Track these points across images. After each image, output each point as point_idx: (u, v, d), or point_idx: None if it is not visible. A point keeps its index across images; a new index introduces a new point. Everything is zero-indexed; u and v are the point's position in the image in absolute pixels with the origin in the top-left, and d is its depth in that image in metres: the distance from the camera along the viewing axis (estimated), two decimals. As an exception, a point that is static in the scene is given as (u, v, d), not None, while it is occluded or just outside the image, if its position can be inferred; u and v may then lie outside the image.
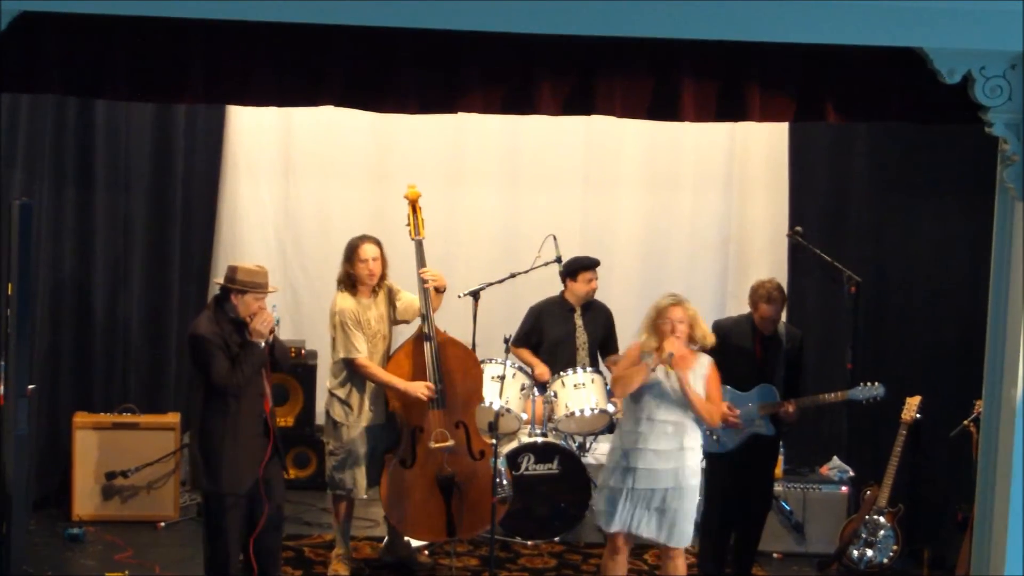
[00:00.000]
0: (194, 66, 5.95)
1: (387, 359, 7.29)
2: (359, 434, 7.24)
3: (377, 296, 7.28)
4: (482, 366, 7.55)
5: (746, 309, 7.32)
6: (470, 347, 7.50)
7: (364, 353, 7.18)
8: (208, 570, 6.62)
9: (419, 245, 7.26)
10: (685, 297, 6.61)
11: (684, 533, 6.59)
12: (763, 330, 7.17)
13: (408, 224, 7.31)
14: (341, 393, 7.25)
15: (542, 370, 8.28)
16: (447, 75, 6.07)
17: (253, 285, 6.43)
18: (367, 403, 7.24)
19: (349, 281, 7.24)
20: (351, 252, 7.23)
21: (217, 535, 6.52)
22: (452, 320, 7.57)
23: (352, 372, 7.22)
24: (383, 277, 7.30)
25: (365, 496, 7.39)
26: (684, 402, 6.50)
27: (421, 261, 7.25)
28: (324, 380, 9.17)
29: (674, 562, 6.67)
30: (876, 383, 7.31)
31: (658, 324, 6.51)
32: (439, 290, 7.25)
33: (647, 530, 6.56)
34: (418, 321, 7.32)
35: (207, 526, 6.61)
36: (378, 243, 7.26)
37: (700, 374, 6.57)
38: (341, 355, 7.21)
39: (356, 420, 7.24)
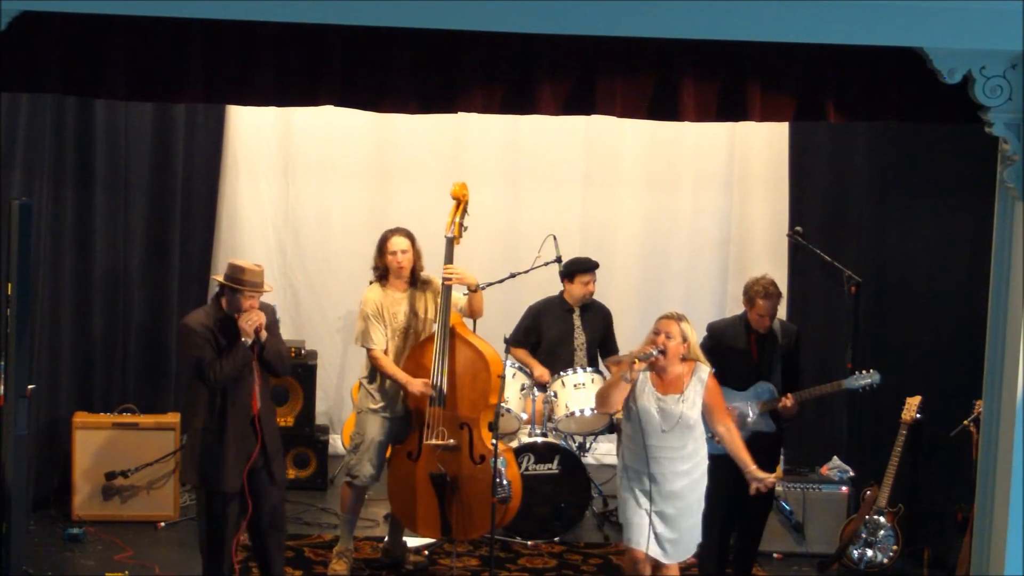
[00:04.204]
0: (194, 66, 5.95)
1: None
2: (379, 423, 7.30)
3: (414, 291, 7.31)
4: None
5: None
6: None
7: (379, 346, 7.23)
8: (204, 566, 6.65)
9: (448, 242, 7.26)
10: (684, 315, 6.39)
11: (682, 550, 6.43)
12: (758, 328, 7.16)
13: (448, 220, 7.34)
14: (367, 382, 7.36)
15: (541, 372, 8.28)
16: (447, 75, 6.07)
17: (242, 282, 6.40)
18: (389, 394, 7.31)
19: (380, 273, 7.32)
20: (381, 244, 7.30)
21: (206, 532, 6.57)
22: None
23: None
24: (416, 270, 7.31)
25: (366, 483, 7.34)
26: (673, 428, 6.27)
27: (448, 258, 7.26)
28: (323, 380, 9.26)
29: (663, 572, 6.47)
30: (871, 370, 7.29)
31: (650, 335, 6.37)
32: (471, 289, 7.28)
33: (641, 544, 6.33)
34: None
35: (199, 522, 6.67)
36: (409, 236, 7.29)
37: (695, 390, 6.32)
38: (358, 344, 7.34)
39: (378, 409, 7.30)
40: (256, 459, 6.47)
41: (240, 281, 6.40)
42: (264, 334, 6.42)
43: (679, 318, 6.34)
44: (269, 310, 6.63)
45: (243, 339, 6.38)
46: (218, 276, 6.58)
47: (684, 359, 6.35)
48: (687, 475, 6.34)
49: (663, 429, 6.28)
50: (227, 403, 6.44)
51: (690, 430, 6.32)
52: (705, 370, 6.38)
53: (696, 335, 6.44)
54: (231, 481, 6.45)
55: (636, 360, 6.23)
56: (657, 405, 6.30)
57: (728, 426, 6.47)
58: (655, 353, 6.25)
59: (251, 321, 6.37)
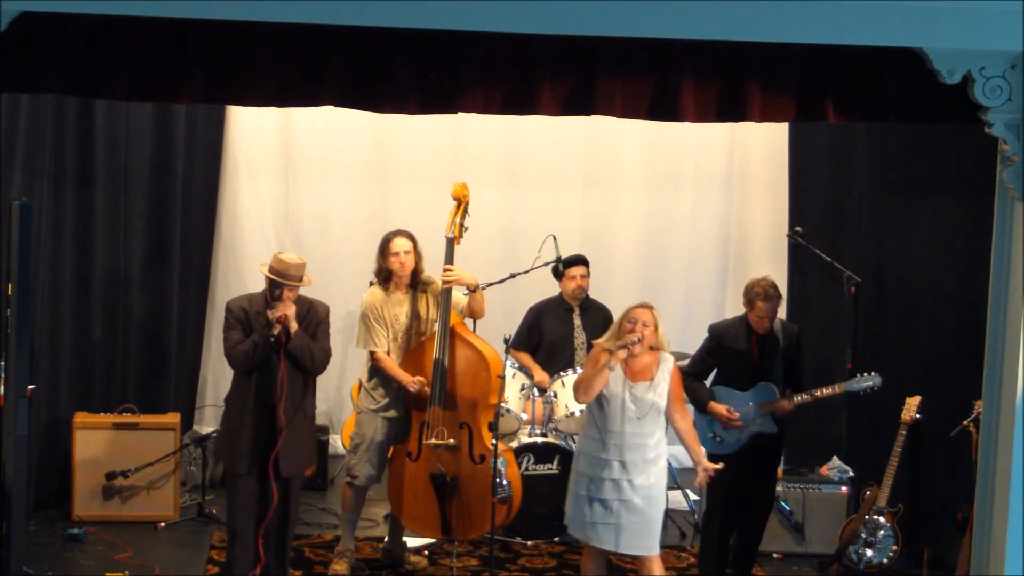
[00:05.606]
0: (194, 66, 5.95)
1: None
2: (378, 423, 7.31)
3: (415, 292, 7.31)
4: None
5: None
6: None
7: (382, 348, 7.25)
8: (227, 549, 6.83)
9: (448, 243, 7.28)
10: (652, 304, 6.53)
11: (648, 543, 6.47)
12: (758, 329, 7.16)
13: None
14: (367, 383, 7.37)
15: (541, 377, 8.27)
16: (447, 75, 6.07)
17: (275, 272, 6.60)
18: (389, 395, 7.31)
19: (382, 275, 7.32)
20: (383, 246, 7.30)
21: (228, 511, 6.78)
22: (452, 320, 7.56)
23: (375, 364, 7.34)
24: (417, 272, 7.31)
25: (366, 483, 7.35)
26: (647, 414, 6.40)
27: (448, 258, 7.26)
28: (323, 380, 9.23)
29: (647, 568, 6.53)
30: (873, 373, 7.30)
31: (622, 323, 6.47)
32: (470, 289, 7.27)
33: (607, 541, 6.44)
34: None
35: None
36: (411, 237, 7.30)
37: (663, 378, 6.46)
38: (360, 347, 7.37)
39: (377, 409, 7.32)
40: (276, 449, 6.60)
41: (275, 271, 6.60)
42: (293, 326, 6.58)
43: (646, 305, 6.50)
44: (323, 309, 6.83)
45: (275, 328, 6.55)
46: (264, 266, 6.75)
47: (651, 348, 6.48)
48: (654, 463, 6.46)
49: (637, 416, 6.41)
50: (251, 389, 6.65)
51: (659, 416, 6.48)
52: (670, 359, 6.55)
53: (664, 325, 6.55)
54: (242, 464, 6.64)
55: (627, 347, 6.36)
56: (629, 393, 6.43)
57: (685, 417, 6.62)
58: (637, 341, 6.38)
59: (276, 312, 6.54)
